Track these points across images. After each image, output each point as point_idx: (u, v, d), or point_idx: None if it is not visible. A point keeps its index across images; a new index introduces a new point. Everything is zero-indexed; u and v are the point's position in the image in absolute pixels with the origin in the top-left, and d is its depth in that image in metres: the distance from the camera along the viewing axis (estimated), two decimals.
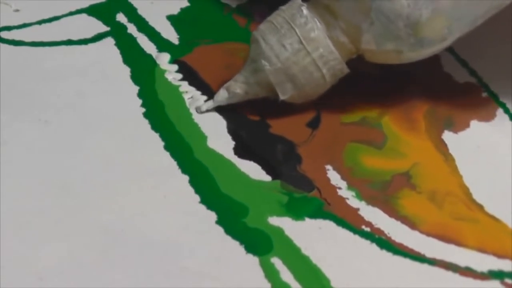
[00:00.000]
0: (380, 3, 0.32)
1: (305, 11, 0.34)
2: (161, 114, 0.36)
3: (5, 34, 0.41)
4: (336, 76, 0.35)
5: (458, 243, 0.31)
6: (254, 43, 0.35)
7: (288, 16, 0.34)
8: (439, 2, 0.32)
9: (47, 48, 0.40)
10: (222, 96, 0.36)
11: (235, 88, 0.35)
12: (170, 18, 0.42)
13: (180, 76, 0.38)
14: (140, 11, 0.43)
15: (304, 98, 0.35)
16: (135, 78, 0.38)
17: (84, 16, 0.42)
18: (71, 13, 0.42)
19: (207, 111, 0.36)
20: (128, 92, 0.37)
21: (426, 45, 0.33)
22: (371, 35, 0.33)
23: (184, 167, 0.34)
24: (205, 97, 0.37)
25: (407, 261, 0.30)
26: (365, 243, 0.31)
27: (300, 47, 0.34)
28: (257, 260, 0.30)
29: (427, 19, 0.32)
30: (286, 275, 0.30)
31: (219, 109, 0.36)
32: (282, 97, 0.35)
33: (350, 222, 0.31)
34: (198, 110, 0.36)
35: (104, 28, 0.41)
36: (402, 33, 0.33)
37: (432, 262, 0.30)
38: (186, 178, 0.33)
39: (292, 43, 0.34)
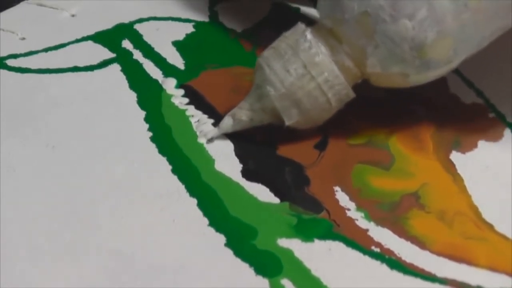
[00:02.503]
0: (385, 26, 0.32)
1: (309, 36, 0.34)
2: (168, 138, 0.36)
3: (12, 62, 0.41)
4: (342, 100, 0.35)
5: (469, 262, 0.30)
6: (258, 69, 0.35)
7: (292, 42, 0.34)
8: (444, 24, 0.32)
9: (53, 75, 0.40)
10: (227, 123, 0.36)
11: (241, 115, 0.35)
12: (176, 43, 0.42)
13: (186, 100, 0.38)
14: (145, 38, 0.43)
15: (310, 124, 0.35)
16: (141, 103, 0.38)
17: (90, 43, 0.43)
18: (77, 40, 0.43)
19: (212, 139, 0.36)
20: (135, 117, 0.37)
21: (432, 67, 0.33)
22: (376, 58, 0.33)
23: (192, 190, 0.34)
24: (212, 120, 0.37)
25: (418, 281, 0.30)
26: (375, 263, 0.31)
27: (305, 72, 0.34)
28: (267, 282, 0.30)
29: (433, 42, 0.32)
30: None
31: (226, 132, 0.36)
32: (287, 122, 0.35)
33: (360, 243, 0.31)
34: (206, 139, 0.36)
35: (110, 55, 0.42)
36: (407, 55, 0.32)
37: (444, 281, 0.30)
38: (194, 201, 0.33)
39: (297, 68, 0.34)
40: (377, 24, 0.32)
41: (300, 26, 0.35)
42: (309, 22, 0.35)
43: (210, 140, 0.36)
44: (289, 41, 0.34)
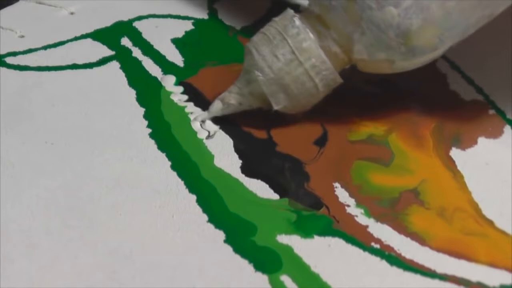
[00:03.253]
0: (371, 13, 0.32)
1: (297, 22, 0.34)
2: (168, 135, 0.36)
3: (11, 60, 0.41)
4: (329, 86, 0.35)
5: (469, 258, 0.30)
6: (247, 54, 0.36)
7: (281, 27, 0.35)
8: (430, 11, 0.32)
9: (52, 73, 0.40)
10: (216, 107, 0.36)
11: (229, 99, 0.36)
12: (175, 41, 0.42)
13: (185, 97, 0.38)
14: (144, 35, 0.43)
15: (298, 108, 0.35)
16: (141, 100, 0.38)
17: (89, 41, 0.43)
18: (76, 38, 0.43)
19: (203, 121, 0.36)
20: (134, 113, 0.37)
21: (417, 54, 0.33)
22: (362, 45, 0.33)
23: (192, 187, 0.34)
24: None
25: (418, 277, 0.30)
26: (375, 260, 0.31)
27: (293, 57, 0.34)
28: (266, 278, 0.30)
29: (418, 28, 0.32)
30: None
31: (225, 128, 0.36)
32: (275, 107, 0.35)
33: (360, 239, 0.31)
34: (197, 122, 0.36)
35: (109, 52, 0.42)
36: (393, 42, 0.33)
37: (443, 277, 0.30)
38: (193, 197, 0.33)
39: (285, 53, 0.34)
40: (363, 11, 0.33)
41: (289, 12, 0.35)
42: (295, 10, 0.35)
43: (210, 136, 0.36)
44: (278, 26, 0.35)
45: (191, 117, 0.37)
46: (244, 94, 0.35)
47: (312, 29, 0.34)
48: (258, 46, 0.35)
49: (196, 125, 0.36)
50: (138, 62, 0.41)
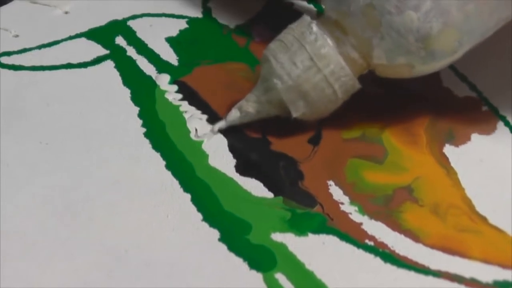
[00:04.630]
0: (390, 17, 0.32)
1: (314, 28, 0.34)
2: (162, 134, 0.36)
3: (5, 59, 0.41)
4: (348, 92, 0.35)
5: (463, 255, 0.31)
6: (265, 62, 0.35)
7: (298, 34, 0.34)
8: (449, 15, 0.32)
9: (47, 72, 0.40)
10: (234, 115, 0.36)
11: (247, 108, 0.35)
12: (169, 40, 0.42)
13: (180, 96, 0.38)
14: (139, 34, 0.43)
15: (316, 115, 0.35)
16: (135, 99, 0.38)
17: (83, 40, 0.43)
18: (70, 37, 0.43)
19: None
20: (128, 113, 0.37)
21: (437, 58, 0.33)
22: (381, 49, 0.33)
23: (186, 186, 0.34)
24: (205, 116, 0.37)
25: (412, 274, 0.30)
26: (369, 257, 0.31)
27: (311, 64, 0.34)
28: (261, 276, 0.30)
29: (438, 32, 0.32)
30: None
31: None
32: (294, 114, 0.35)
33: (354, 236, 0.31)
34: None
35: (103, 52, 0.42)
36: (412, 47, 0.33)
37: (437, 274, 0.30)
38: (188, 196, 0.33)
39: (303, 60, 0.34)
40: (383, 16, 0.32)
41: (306, 18, 0.35)
42: (311, 16, 0.35)
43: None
44: (295, 33, 0.35)
45: (190, 125, 0.37)
46: (262, 102, 0.35)
47: (330, 35, 0.34)
48: (276, 54, 0.35)
49: (191, 126, 0.36)
50: (132, 61, 0.41)
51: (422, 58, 0.33)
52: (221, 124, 0.36)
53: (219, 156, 0.35)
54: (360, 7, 0.33)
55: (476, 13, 0.32)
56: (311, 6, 0.43)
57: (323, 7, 0.35)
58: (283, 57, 0.34)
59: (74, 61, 0.41)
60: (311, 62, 0.34)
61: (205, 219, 0.32)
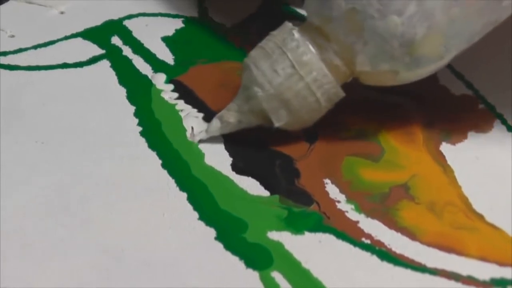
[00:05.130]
0: (373, 22, 0.31)
1: (296, 34, 0.33)
2: (158, 133, 0.36)
3: (1, 60, 0.41)
4: (331, 100, 0.34)
5: (459, 252, 0.30)
6: (246, 70, 0.34)
7: (280, 41, 0.34)
8: (434, 19, 0.31)
9: (43, 72, 0.40)
10: (215, 126, 0.35)
11: (228, 117, 0.35)
12: (165, 39, 0.42)
13: (176, 95, 0.38)
14: (135, 34, 0.43)
15: (300, 125, 0.35)
16: (131, 98, 0.38)
17: (79, 40, 0.43)
18: (66, 37, 0.43)
19: (201, 141, 0.36)
20: (124, 112, 0.37)
21: (422, 64, 0.32)
22: (365, 56, 0.33)
23: (182, 185, 0.34)
24: (201, 115, 0.37)
25: (409, 272, 0.30)
26: (366, 255, 0.31)
27: (293, 72, 0.33)
28: (257, 275, 0.30)
29: (423, 37, 0.31)
30: None
31: None
32: (276, 124, 0.34)
33: (350, 234, 0.31)
34: (194, 141, 0.36)
35: (99, 51, 0.42)
36: (397, 52, 0.32)
37: (434, 272, 0.30)
38: (184, 195, 0.33)
39: (285, 68, 0.33)
40: (365, 21, 0.32)
41: (287, 24, 0.34)
42: (300, 20, 0.35)
43: (194, 141, 0.36)
44: (276, 40, 0.34)
45: (186, 124, 0.37)
46: (244, 111, 0.35)
47: (312, 41, 0.33)
48: (257, 61, 0.34)
49: (187, 124, 0.36)
50: (128, 61, 0.41)
51: (407, 64, 0.32)
52: (202, 135, 0.36)
53: (215, 154, 0.35)
54: (342, 12, 0.32)
55: (461, 16, 0.31)
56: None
57: (305, 13, 0.35)
58: (264, 65, 0.34)
59: (70, 61, 0.41)
60: (292, 69, 0.33)
61: (201, 218, 0.32)
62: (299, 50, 0.33)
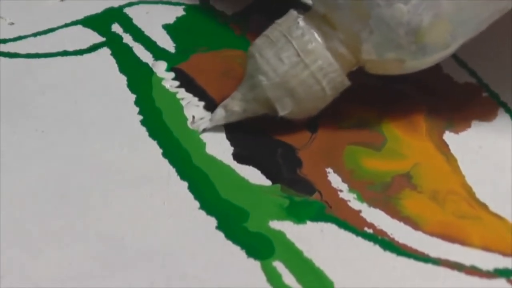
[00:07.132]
0: (379, 10, 0.31)
1: (301, 23, 0.33)
2: (159, 121, 0.36)
3: (1, 47, 0.41)
4: (336, 88, 0.34)
5: (463, 242, 0.30)
6: (250, 58, 0.34)
7: (285, 29, 0.33)
8: (441, 6, 0.31)
9: (42, 60, 0.40)
10: (219, 115, 0.35)
11: (233, 106, 0.35)
12: (166, 27, 0.42)
13: (177, 83, 0.38)
14: (135, 21, 0.42)
15: (304, 113, 0.34)
16: (131, 86, 0.38)
17: (79, 27, 0.42)
18: (66, 25, 0.42)
19: (204, 130, 0.36)
20: (125, 100, 0.37)
21: (428, 52, 0.32)
22: (371, 44, 0.32)
23: (183, 174, 0.33)
24: (202, 103, 0.37)
25: (411, 262, 0.30)
26: (368, 244, 0.30)
27: (298, 60, 0.33)
28: (258, 264, 0.30)
29: (429, 25, 0.31)
30: (288, 278, 0.29)
31: None
32: (281, 113, 0.34)
33: (352, 224, 0.31)
34: (197, 130, 0.35)
35: (99, 39, 0.41)
36: (403, 40, 0.32)
37: (437, 261, 0.30)
38: (185, 184, 0.33)
39: (290, 56, 0.33)
40: (372, 9, 0.31)
41: (293, 13, 0.34)
42: (303, 8, 0.34)
43: (199, 131, 0.35)
44: (281, 29, 0.34)
45: (188, 113, 0.36)
46: (248, 100, 0.34)
47: (318, 30, 0.33)
48: (261, 50, 0.34)
49: (188, 113, 0.36)
50: (129, 49, 0.41)
51: (413, 52, 0.32)
52: (206, 124, 0.35)
53: (217, 144, 0.35)
54: (348, 0, 0.32)
55: (469, 4, 0.31)
56: None
57: (310, 1, 0.34)
58: (269, 53, 0.33)
59: (70, 48, 0.40)
60: (298, 57, 0.33)
61: (202, 207, 0.32)
62: (304, 39, 0.33)
